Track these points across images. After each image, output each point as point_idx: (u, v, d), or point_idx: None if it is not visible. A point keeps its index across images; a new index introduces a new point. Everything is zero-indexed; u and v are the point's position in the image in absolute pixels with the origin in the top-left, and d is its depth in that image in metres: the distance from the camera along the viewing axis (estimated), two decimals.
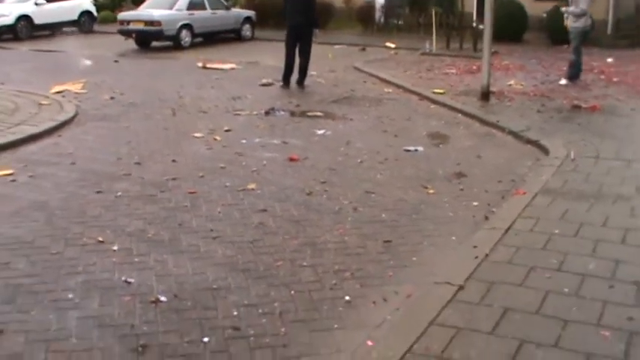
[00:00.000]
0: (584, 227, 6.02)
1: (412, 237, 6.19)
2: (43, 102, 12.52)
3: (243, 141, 9.68)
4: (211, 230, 6.30)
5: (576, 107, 11.64)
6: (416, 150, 9.26)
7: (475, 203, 7.09)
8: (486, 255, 5.43)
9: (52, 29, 28.32)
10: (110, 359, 4.26)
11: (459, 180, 7.95)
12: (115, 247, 5.92)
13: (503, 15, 19.78)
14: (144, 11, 23.32)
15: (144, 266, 5.55)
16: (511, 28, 21.11)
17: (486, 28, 12.13)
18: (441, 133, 10.38)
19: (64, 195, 7.43)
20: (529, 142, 9.57)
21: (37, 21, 27.57)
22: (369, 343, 4.31)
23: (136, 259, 5.68)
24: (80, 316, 4.77)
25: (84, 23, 29.54)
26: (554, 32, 21.98)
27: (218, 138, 9.87)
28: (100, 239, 6.10)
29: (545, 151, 8.97)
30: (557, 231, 5.93)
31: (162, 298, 4.99)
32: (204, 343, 4.41)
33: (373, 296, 5.04)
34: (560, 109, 11.59)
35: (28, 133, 10.22)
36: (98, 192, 7.50)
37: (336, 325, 4.64)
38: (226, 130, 10.31)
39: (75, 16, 29.26)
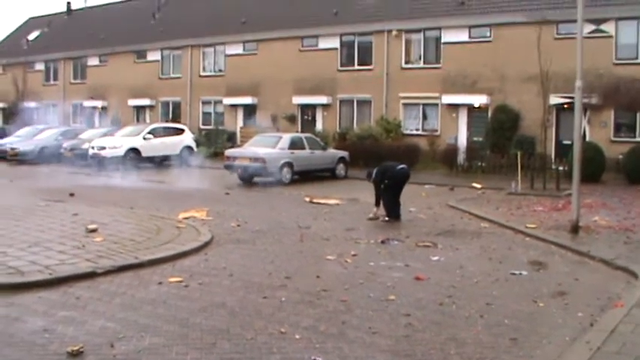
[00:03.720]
0: None
1: (532, 337, 7.66)
2: (180, 225, 14.43)
3: (371, 263, 11.34)
4: (369, 328, 7.88)
5: None
6: (521, 274, 10.76)
7: (580, 314, 8.53)
8: (598, 348, 6.88)
9: (156, 162, 30.90)
10: None
11: (562, 297, 9.40)
12: (297, 336, 7.54)
13: (583, 157, 21.38)
14: (249, 149, 25.60)
15: (325, 350, 7.12)
16: (590, 169, 22.53)
17: (575, 169, 13.74)
18: (540, 260, 11.82)
19: (236, 298, 9.12)
20: (618, 268, 10.99)
21: (145, 154, 30.23)
22: None
23: (317, 345, 7.27)
24: None
25: (185, 157, 32.02)
26: (632, 172, 23.57)
27: (349, 260, 11.55)
28: (282, 330, 7.73)
29: (635, 275, 10.36)
30: None
31: None
32: None
33: None
34: None
35: (180, 250, 12.02)
36: (264, 297, 9.17)
37: None
38: (353, 255, 11.98)
39: (177, 151, 32.01)
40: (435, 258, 11.89)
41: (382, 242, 13.29)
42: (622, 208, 17.66)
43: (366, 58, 35.28)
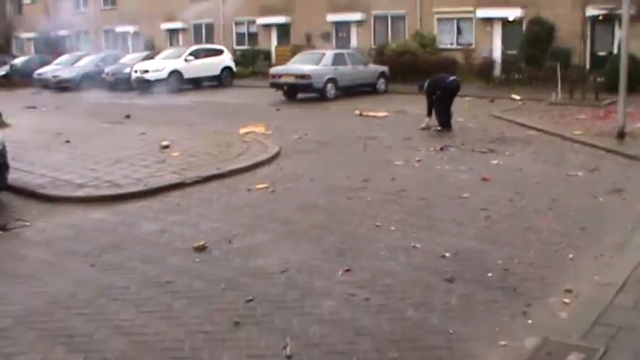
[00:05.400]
0: None
1: (599, 226, 8.67)
2: (246, 139, 15.37)
3: (438, 167, 12.34)
4: (453, 219, 8.93)
5: None
6: (577, 174, 11.70)
7: (638, 207, 9.50)
8: None
9: (197, 83, 31.80)
10: (433, 283, 6.80)
11: (619, 193, 10.34)
12: (393, 228, 8.60)
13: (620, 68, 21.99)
14: (294, 66, 26.35)
15: (420, 238, 8.16)
16: (627, 79, 23.04)
17: (622, 78, 14.64)
18: (591, 163, 12.72)
19: (324, 199, 10.17)
20: None
21: (187, 75, 31.11)
22: (596, 277, 6.80)
23: (412, 235, 8.31)
24: (397, 264, 7.38)
25: (225, 78, 33.00)
26: None
27: (416, 165, 12.56)
28: (378, 224, 8.78)
29: None
30: None
31: (447, 254, 7.59)
32: (489, 276, 6.97)
33: (587, 257, 7.52)
34: None
35: (255, 161, 12.97)
36: (349, 198, 10.21)
37: (571, 271, 7.14)
38: (418, 160, 12.96)
39: (217, 72, 32.83)
40: (494, 162, 12.83)
41: (441, 149, 14.21)
42: None
43: None
